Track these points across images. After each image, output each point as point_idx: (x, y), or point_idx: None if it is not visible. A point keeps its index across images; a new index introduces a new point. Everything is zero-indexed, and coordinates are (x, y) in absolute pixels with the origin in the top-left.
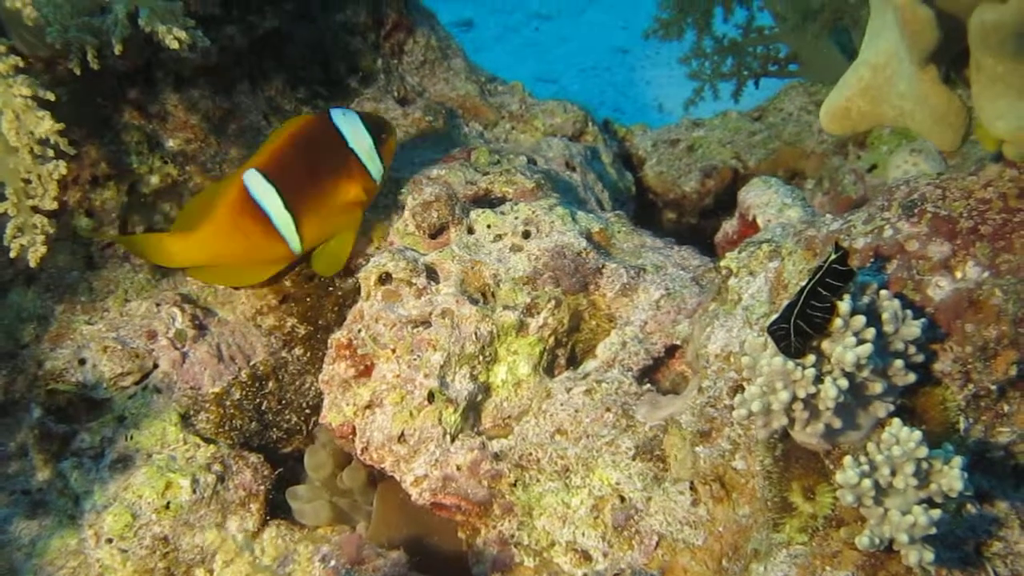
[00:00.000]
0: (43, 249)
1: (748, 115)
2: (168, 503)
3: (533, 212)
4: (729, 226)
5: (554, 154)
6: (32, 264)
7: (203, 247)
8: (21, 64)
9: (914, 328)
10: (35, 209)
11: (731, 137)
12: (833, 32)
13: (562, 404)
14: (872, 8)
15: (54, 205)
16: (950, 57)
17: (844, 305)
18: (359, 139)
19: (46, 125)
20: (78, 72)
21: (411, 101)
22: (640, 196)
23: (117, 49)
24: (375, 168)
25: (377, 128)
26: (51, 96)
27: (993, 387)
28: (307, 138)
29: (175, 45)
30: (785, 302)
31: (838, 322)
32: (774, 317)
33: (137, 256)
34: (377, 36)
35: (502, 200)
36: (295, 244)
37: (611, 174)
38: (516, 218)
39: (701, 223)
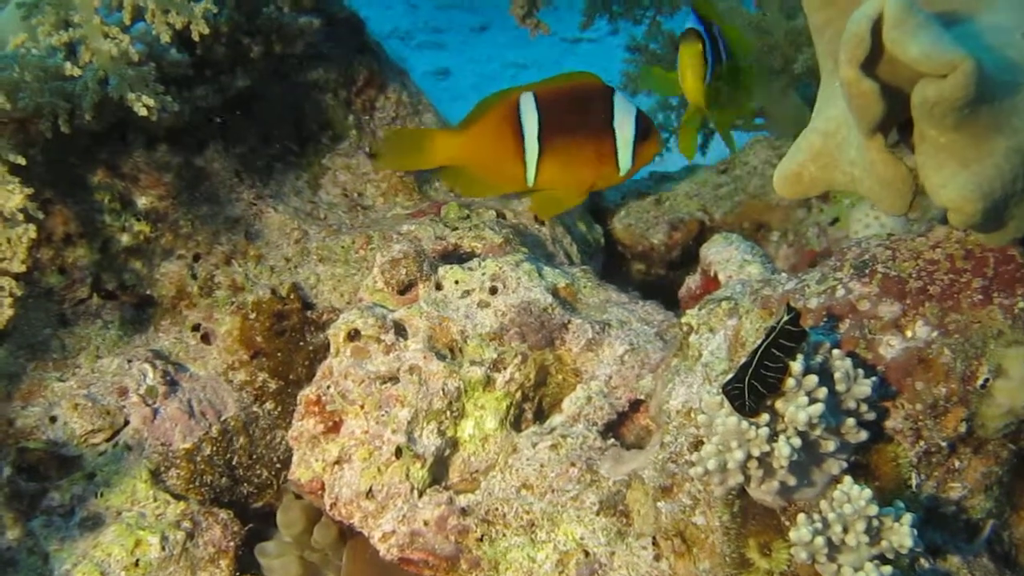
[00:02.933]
0: (10, 312)
1: (714, 168)
2: (137, 560)
3: (500, 268)
4: (692, 281)
5: (524, 207)
6: None
7: (464, 146)
8: None
9: (865, 387)
10: (3, 271)
11: (698, 190)
12: (799, 86)
13: (528, 459)
14: (823, 75)
15: (23, 268)
16: (897, 124)
17: (796, 365)
18: (624, 126)
19: (15, 200)
20: (49, 136)
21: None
22: (609, 248)
23: (88, 115)
24: (623, 160)
25: (645, 130)
26: (21, 160)
27: (944, 443)
28: (583, 97)
29: (144, 112)
30: (741, 361)
31: (791, 382)
32: (729, 377)
33: (402, 152)
34: (349, 93)
35: (471, 255)
36: (530, 175)
37: (580, 227)
38: (483, 274)
39: (669, 274)
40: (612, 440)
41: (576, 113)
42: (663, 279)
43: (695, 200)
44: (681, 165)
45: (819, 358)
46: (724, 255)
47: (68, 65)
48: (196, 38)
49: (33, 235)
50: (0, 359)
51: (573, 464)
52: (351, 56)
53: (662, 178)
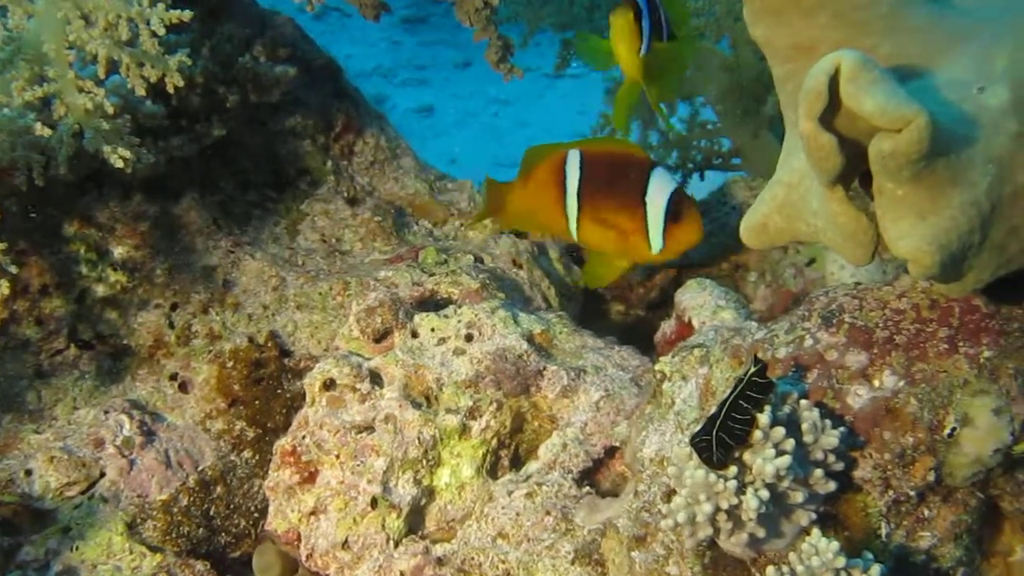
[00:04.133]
0: None
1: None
2: None
3: (476, 315)
4: (667, 326)
5: (501, 251)
6: None
7: (522, 196)
8: None
9: (833, 438)
10: None
11: None
12: (775, 127)
13: (504, 508)
14: (786, 126)
15: None
16: (858, 175)
17: (763, 417)
18: (656, 202)
19: None
20: (24, 189)
21: (361, 201)
22: (588, 290)
23: (62, 168)
24: (654, 237)
25: (677, 211)
26: None
27: (912, 493)
28: (622, 164)
29: (120, 164)
30: (710, 410)
31: (758, 434)
32: (697, 428)
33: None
34: (327, 138)
35: (448, 301)
36: (572, 228)
37: (558, 269)
38: (459, 321)
39: (648, 315)
40: (587, 488)
41: (613, 178)
42: (642, 320)
43: None
44: None
45: (787, 408)
46: (698, 301)
47: (39, 125)
48: (171, 91)
49: (6, 291)
50: None
51: (548, 513)
52: (328, 102)
53: None
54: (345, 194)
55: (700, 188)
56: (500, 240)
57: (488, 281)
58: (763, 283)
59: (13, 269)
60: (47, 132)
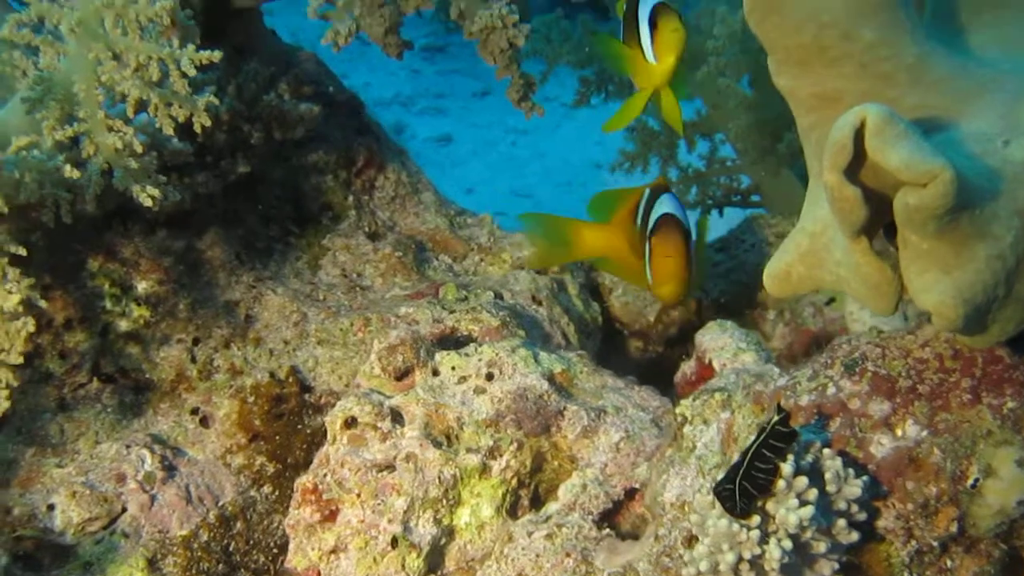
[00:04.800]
0: (7, 404)
1: (711, 246)
2: None
3: (496, 354)
4: (687, 367)
5: (521, 287)
6: None
7: (603, 238)
8: None
9: (856, 488)
10: (1, 363)
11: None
12: (795, 165)
13: (523, 548)
14: (810, 175)
15: (20, 360)
16: (882, 225)
17: (787, 467)
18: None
19: (13, 300)
20: (52, 226)
21: (382, 236)
22: (607, 325)
23: (90, 207)
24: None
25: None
26: (22, 251)
27: (935, 543)
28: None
29: (149, 203)
30: (735, 457)
31: (781, 484)
32: (720, 477)
33: (553, 240)
34: (349, 174)
35: (468, 338)
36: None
37: (577, 305)
38: (480, 360)
39: (667, 351)
40: (607, 529)
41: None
42: (661, 356)
43: None
44: None
45: (810, 457)
46: (719, 343)
47: (68, 167)
48: (198, 130)
49: (32, 328)
50: None
51: (568, 554)
52: (350, 137)
53: None
54: (366, 229)
55: (719, 224)
56: (520, 276)
57: (508, 318)
58: (782, 321)
59: (43, 304)
60: (76, 174)
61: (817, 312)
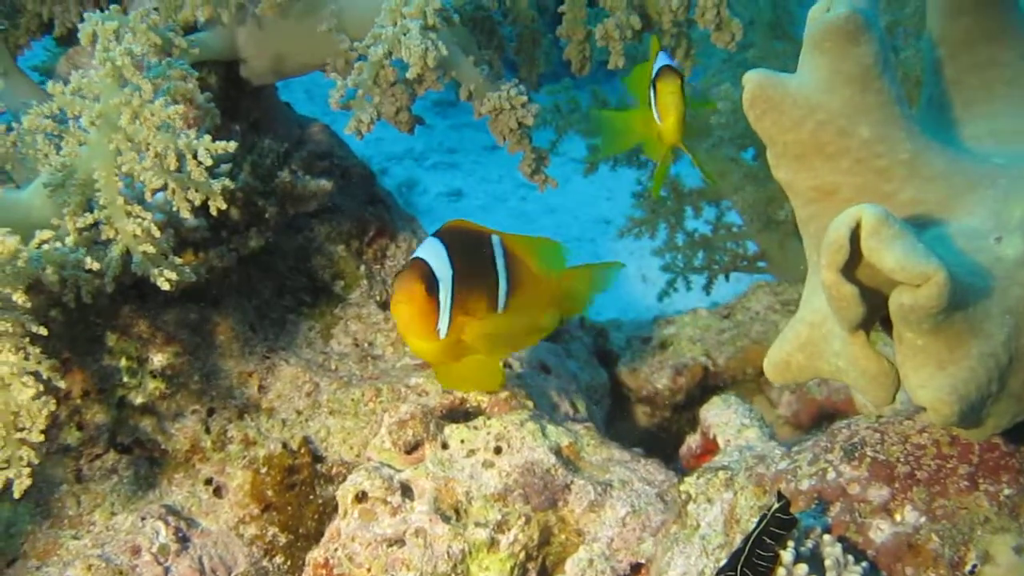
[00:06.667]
0: (28, 481)
1: (717, 313)
2: None
3: (504, 428)
4: (692, 441)
5: (530, 355)
6: (16, 496)
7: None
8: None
9: (855, 574)
10: (23, 441)
11: (701, 335)
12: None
13: None
14: (809, 266)
15: (41, 438)
16: (878, 318)
17: (787, 555)
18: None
19: (29, 392)
20: (72, 306)
21: None
22: (615, 390)
23: (109, 288)
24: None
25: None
26: (43, 331)
27: None
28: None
29: (167, 286)
30: (737, 539)
31: (781, 571)
32: (722, 564)
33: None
34: (360, 243)
35: (477, 409)
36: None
37: (585, 373)
38: (488, 433)
39: (674, 417)
40: None
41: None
42: (668, 421)
43: (698, 345)
44: (682, 307)
45: (810, 543)
46: (723, 418)
47: (89, 260)
48: (214, 212)
49: (53, 407)
50: (17, 516)
51: None
52: (362, 207)
53: (666, 322)
54: (377, 298)
55: (726, 289)
56: None
57: (516, 389)
58: (787, 390)
59: (62, 384)
60: (97, 266)
61: (822, 382)
